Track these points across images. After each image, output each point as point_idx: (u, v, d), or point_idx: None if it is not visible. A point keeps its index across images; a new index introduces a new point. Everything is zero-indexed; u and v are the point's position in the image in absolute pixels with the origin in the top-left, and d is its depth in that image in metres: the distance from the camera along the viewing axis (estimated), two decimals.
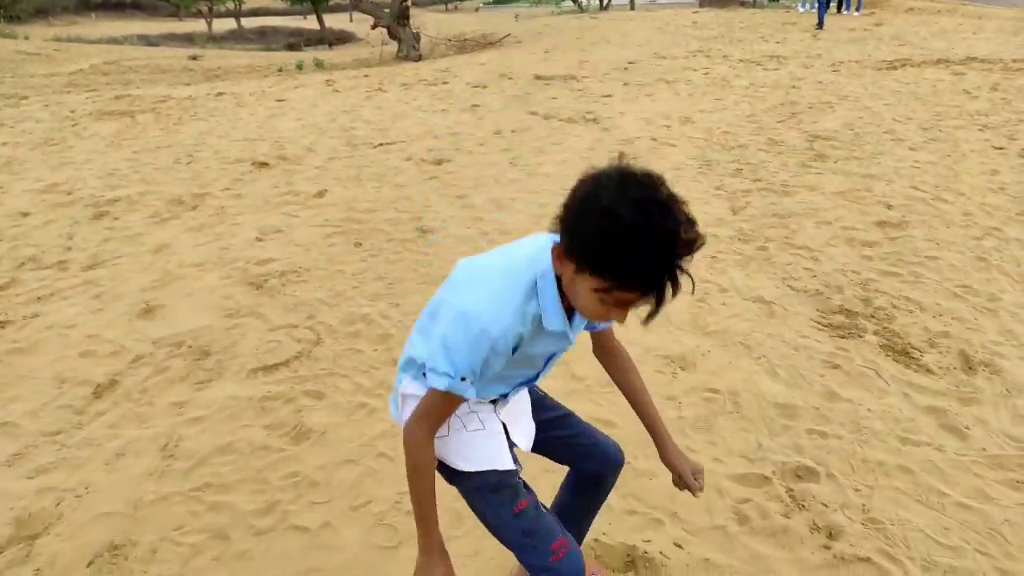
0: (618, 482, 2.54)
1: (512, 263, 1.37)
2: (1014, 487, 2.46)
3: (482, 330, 1.28)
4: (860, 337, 3.41)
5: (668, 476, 2.54)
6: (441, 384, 1.32)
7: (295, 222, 4.97)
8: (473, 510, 1.57)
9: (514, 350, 1.36)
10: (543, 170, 5.90)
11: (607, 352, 1.73)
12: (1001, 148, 6.27)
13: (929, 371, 3.13)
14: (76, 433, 2.86)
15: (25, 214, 5.23)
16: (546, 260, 1.32)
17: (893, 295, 3.79)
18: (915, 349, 3.30)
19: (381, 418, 2.90)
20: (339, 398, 3.04)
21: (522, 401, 1.68)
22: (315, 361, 3.31)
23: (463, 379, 1.32)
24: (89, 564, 2.24)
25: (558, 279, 1.32)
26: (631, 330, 3.51)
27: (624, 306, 1.22)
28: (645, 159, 6.16)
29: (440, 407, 1.37)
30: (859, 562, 2.17)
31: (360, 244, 4.58)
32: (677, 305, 3.71)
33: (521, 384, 1.58)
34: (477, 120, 7.88)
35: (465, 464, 1.52)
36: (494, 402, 1.59)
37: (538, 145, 6.75)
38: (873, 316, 3.59)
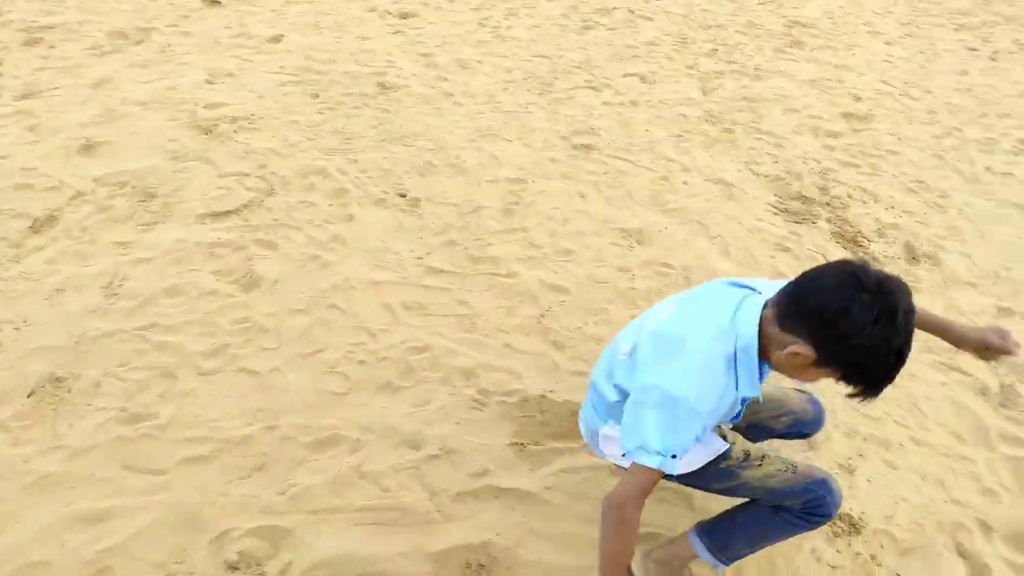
0: (567, 344, 2.61)
1: (711, 334, 1.39)
2: (937, 368, 2.60)
3: (692, 411, 1.35)
4: (813, 223, 3.46)
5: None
6: (653, 463, 1.37)
7: (248, 67, 4.68)
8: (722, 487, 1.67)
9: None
10: (513, 33, 5.63)
11: None
12: (974, 50, 6.22)
13: (875, 259, 3.22)
14: (12, 266, 2.75)
15: None
16: (748, 335, 1.36)
17: (850, 185, 3.83)
18: (864, 238, 3.38)
19: (335, 271, 2.86)
20: (291, 249, 2.98)
21: None
22: (267, 211, 3.22)
23: (673, 456, 1.37)
24: (30, 395, 2.22)
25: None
26: (590, 202, 3.49)
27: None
28: (620, 32, 5.92)
29: (649, 484, 1.42)
30: None
31: (317, 96, 4.36)
32: (639, 182, 3.69)
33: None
34: None
35: (689, 467, 1.60)
36: None
37: (510, 7, 6.40)
38: (828, 204, 3.63)
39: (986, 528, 2.03)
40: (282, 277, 2.81)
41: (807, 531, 1.65)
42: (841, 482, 2.13)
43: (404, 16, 5.88)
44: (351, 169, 3.59)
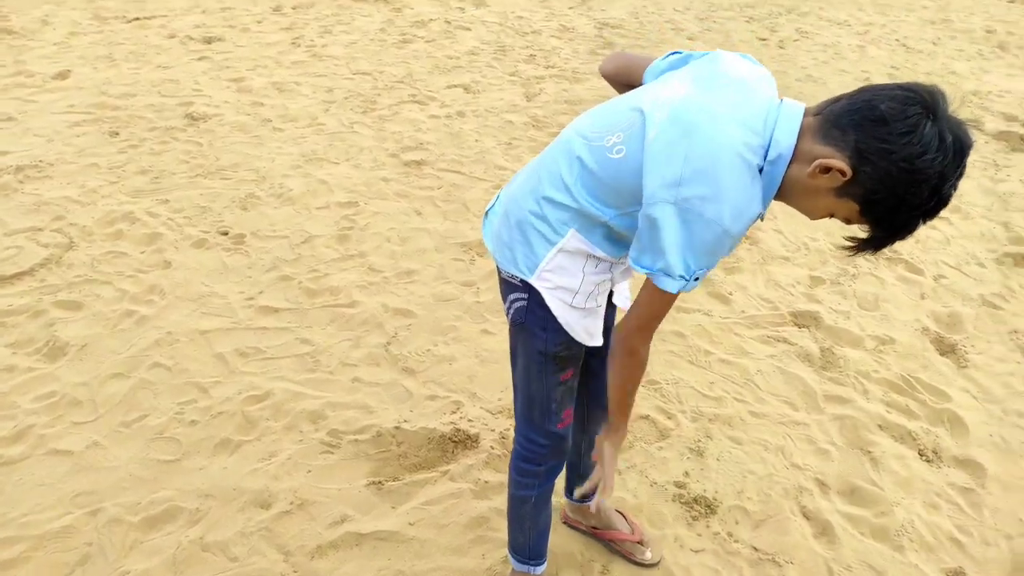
0: (418, 369, 2.54)
1: (742, 138, 1.17)
2: (765, 342, 2.78)
3: (724, 231, 1.16)
4: None
5: (467, 360, 2.58)
6: (674, 287, 1.20)
7: (31, 108, 4.21)
8: (519, 357, 1.51)
9: None
10: (330, 52, 5.46)
11: None
12: (764, 39, 6.79)
13: None
14: None
15: None
16: (785, 144, 1.17)
17: None
18: None
19: (154, 325, 2.62)
20: (100, 307, 2.69)
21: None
22: (67, 268, 2.89)
23: (696, 278, 1.21)
24: None
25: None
26: (428, 219, 3.43)
27: (848, 224, 1.22)
28: (439, 43, 5.91)
29: (662, 311, 1.26)
30: (640, 420, 2.36)
31: (117, 133, 4.00)
32: (474, 193, 3.68)
33: None
34: None
35: (579, 331, 1.43)
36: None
37: (324, 25, 6.22)
38: None
39: (823, 486, 2.19)
40: (92, 340, 2.52)
41: (535, 488, 1.62)
42: (693, 465, 2.21)
43: (208, 41, 5.55)
44: (163, 211, 3.31)
